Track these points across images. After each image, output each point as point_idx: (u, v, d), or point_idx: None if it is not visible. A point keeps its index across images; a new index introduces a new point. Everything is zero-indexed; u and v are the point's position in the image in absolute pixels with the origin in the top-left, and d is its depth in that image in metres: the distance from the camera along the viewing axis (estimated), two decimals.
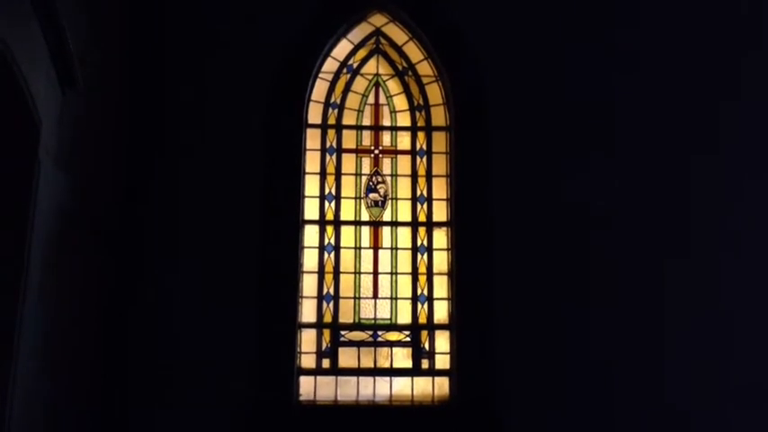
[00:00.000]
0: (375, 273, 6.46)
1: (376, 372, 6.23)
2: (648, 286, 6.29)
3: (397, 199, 6.62)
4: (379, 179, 6.65)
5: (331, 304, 6.33)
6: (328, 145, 6.68)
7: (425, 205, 6.58)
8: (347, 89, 6.83)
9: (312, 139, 6.68)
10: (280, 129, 6.49)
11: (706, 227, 6.42)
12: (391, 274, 6.45)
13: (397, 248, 6.51)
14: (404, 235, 6.54)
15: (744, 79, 6.72)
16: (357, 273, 6.44)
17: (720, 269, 6.33)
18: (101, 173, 5.58)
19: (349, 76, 6.86)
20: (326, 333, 6.27)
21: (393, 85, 6.88)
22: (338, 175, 6.62)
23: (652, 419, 6.01)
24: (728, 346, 6.20)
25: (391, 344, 6.30)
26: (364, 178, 6.65)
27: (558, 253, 6.31)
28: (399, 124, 6.82)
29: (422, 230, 6.53)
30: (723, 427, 6.01)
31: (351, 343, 6.28)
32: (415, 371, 6.25)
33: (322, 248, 6.43)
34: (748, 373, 6.14)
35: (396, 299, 6.40)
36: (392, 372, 6.24)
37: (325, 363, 6.22)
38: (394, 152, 6.75)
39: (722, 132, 6.61)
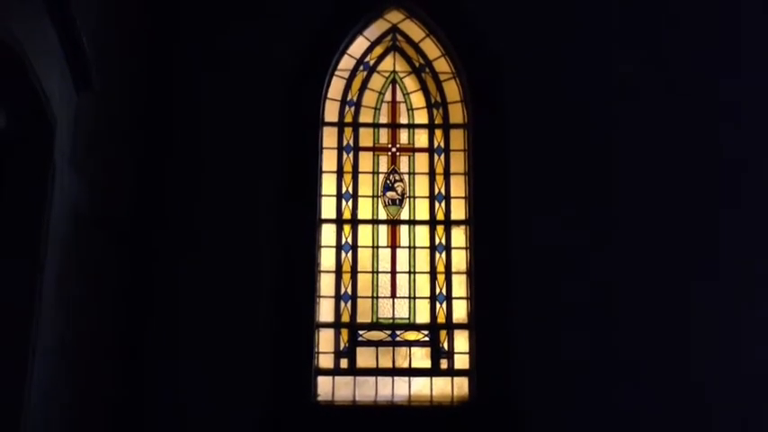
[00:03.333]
0: (393, 272, 6.40)
1: (394, 372, 6.18)
2: (670, 281, 6.21)
3: (414, 197, 6.56)
4: (397, 177, 6.60)
5: (349, 304, 6.28)
6: (345, 143, 6.64)
7: (443, 203, 6.52)
8: (364, 87, 6.78)
9: (329, 137, 6.64)
10: (296, 127, 6.45)
11: (737, 224, 6.35)
12: (409, 273, 6.39)
13: (415, 247, 6.45)
14: (422, 233, 6.48)
15: None
16: (375, 272, 6.39)
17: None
18: (116, 174, 5.55)
19: (366, 73, 6.80)
20: (344, 333, 6.23)
21: (410, 83, 6.82)
22: (355, 173, 6.56)
23: (673, 417, 5.94)
24: (755, 344, 6.13)
25: (410, 344, 6.25)
26: (381, 176, 6.60)
27: (577, 251, 6.23)
28: (417, 122, 6.76)
29: (440, 229, 6.47)
30: (745, 428, 5.95)
31: (369, 343, 6.23)
32: (434, 371, 6.19)
33: (339, 247, 6.39)
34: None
35: (414, 298, 6.35)
36: (411, 372, 6.19)
37: (344, 363, 6.18)
38: (411, 150, 6.70)
39: None
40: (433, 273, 6.38)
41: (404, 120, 6.76)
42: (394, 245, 6.46)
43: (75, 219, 4.39)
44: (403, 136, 6.73)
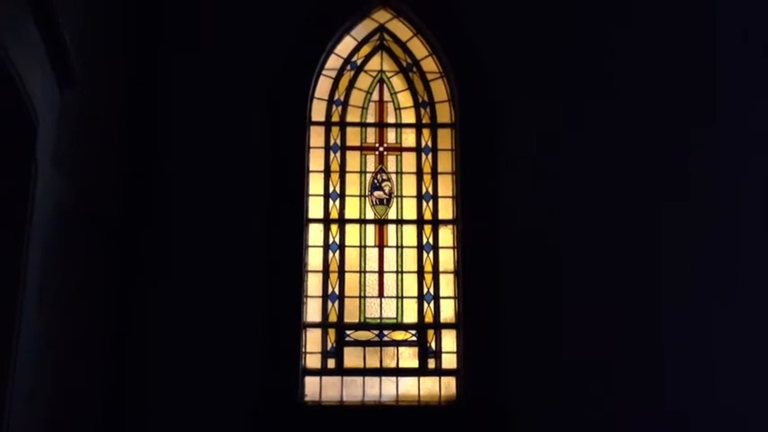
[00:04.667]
0: (380, 271, 6.39)
1: (382, 372, 6.17)
2: (650, 283, 6.24)
3: (402, 197, 6.55)
4: (384, 177, 6.58)
5: (336, 303, 6.26)
6: (332, 142, 6.62)
7: (431, 203, 6.51)
8: (351, 86, 6.76)
9: (316, 136, 6.61)
10: (283, 126, 6.42)
11: (708, 219, 6.36)
12: (397, 272, 6.38)
13: (402, 247, 6.44)
14: (409, 233, 6.47)
15: None
16: (362, 271, 6.37)
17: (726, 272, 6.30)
18: (100, 172, 5.51)
19: (353, 72, 6.78)
20: (332, 333, 6.21)
21: (397, 82, 6.81)
22: (342, 172, 6.55)
23: (657, 417, 5.97)
24: (732, 345, 6.15)
25: (397, 343, 6.23)
26: (369, 176, 6.58)
27: (564, 251, 6.24)
28: (404, 121, 6.74)
29: (427, 228, 6.46)
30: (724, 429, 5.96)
31: (356, 343, 6.22)
32: (421, 370, 6.18)
33: (327, 247, 6.37)
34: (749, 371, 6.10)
35: (401, 298, 6.33)
36: (398, 372, 6.18)
37: (331, 363, 6.16)
38: (399, 149, 6.69)
39: None
40: (420, 272, 6.37)
41: (391, 119, 6.74)
42: (381, 244, 6.45)
43: (58, 217, 4.36)
44: (390, 135, 6.72)
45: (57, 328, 4.47)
